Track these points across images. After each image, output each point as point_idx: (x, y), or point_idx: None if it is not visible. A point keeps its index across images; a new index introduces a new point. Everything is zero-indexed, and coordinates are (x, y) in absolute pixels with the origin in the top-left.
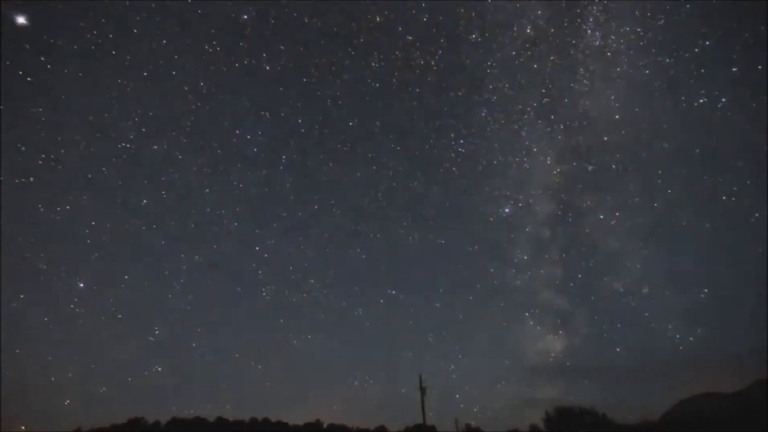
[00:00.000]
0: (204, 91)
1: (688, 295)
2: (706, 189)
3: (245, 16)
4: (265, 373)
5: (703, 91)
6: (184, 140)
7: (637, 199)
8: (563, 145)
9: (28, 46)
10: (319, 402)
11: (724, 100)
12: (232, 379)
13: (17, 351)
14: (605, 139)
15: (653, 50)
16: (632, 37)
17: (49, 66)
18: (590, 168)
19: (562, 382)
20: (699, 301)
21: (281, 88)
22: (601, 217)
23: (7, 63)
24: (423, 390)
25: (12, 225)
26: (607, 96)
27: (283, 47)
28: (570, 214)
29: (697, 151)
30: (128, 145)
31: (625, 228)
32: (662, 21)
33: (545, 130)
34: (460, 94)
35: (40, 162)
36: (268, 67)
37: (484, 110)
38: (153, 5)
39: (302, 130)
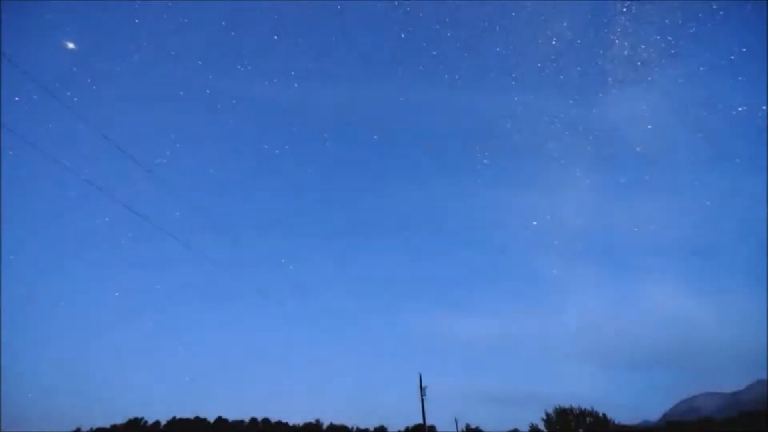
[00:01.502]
0: (236, 108)
1: (732, 309)
2: (749, 200)
3: (276, 37)
4: (287, 378)
5: (741, 98)
6: (217, 156)
7: (672, 211)
8: (593, 156)
9: (75, 69)
10: (328, 404)
11: (764, 108)
12: (258, 384)
13: (55, 356)
14: (637, 150)
15: (686, 58)
16: (663, 45)
17: (94, 87)
18: (622, 180)
19: (594, 398)
20: (748, 315)
21: (308, 104)
22: (636, 229)
23: (57, 85)
24: (423, 390)
25: (53, 236)
26: (638, 106)
27: (311, 65)
28: (601, 227)
29: (738, 161)
30: (164, 161)
31: (660, 241)
32: (694, 28)
33: (573, 141)
34: (485, 106)
35: (83, 178)
36: (296, 84)
37: (510, 122)
38: (190, 31)
39: (327, 144)
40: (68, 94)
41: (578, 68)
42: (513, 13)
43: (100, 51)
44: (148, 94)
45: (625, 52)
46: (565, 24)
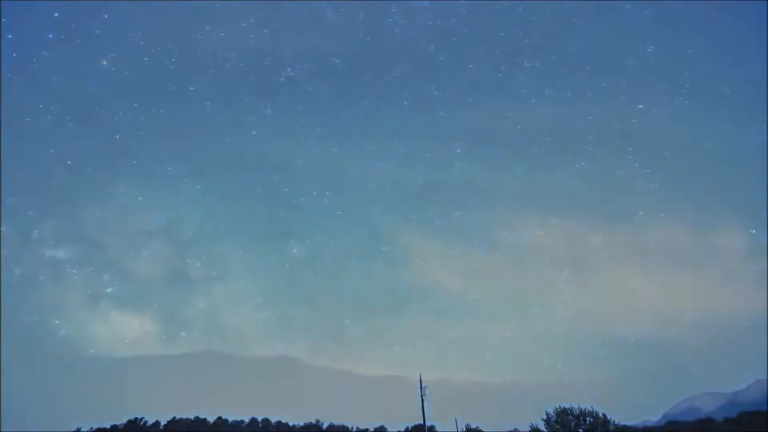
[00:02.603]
0: (256, 129)
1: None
2: None
3: (293, 54)
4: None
5: None
6: (238, 171)
7: (702, 218)
8: (618, 162)
9: (108, 84)
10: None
11: None
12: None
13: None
14: (666, 153)
15: (711, 61)
16: (688, 50)
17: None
18: (652, 186)
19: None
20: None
21: (329, 115)
22: (663, 235)
23: (94, 98)
24: (423, 390)
25: (82, 244)
26: (665, 110)
27: (341, 81)
28: (629, 231)
29: None
30: (185, 179)
31: (686, 250)
32: (719, 29)
33: (598, 147)
34: (509, 115)
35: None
36: (320, 95)
37: (528, 134)
38: (215, 52)
39: (348, 151)
40: (97, 108)
41: (597, 77)
42: None
43: (131, 67)
44: (173, 111)
45: (652, 59)
46: (581, 30)
